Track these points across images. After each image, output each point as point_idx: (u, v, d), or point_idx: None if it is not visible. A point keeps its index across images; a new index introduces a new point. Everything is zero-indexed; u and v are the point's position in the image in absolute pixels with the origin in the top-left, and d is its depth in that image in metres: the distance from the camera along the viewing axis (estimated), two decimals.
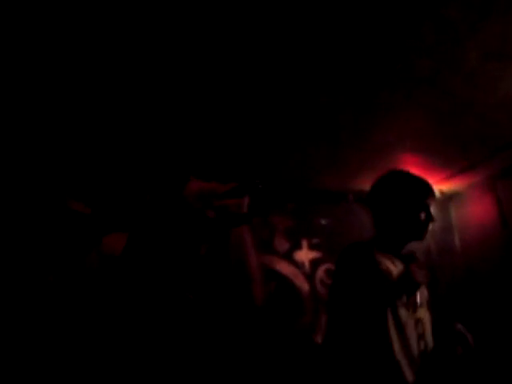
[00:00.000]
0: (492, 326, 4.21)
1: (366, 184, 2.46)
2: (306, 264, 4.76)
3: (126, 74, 2.46)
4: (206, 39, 2.22)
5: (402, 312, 1.84)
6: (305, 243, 4.80)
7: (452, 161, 3.96)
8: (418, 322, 1.89)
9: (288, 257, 4.75)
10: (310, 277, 4.69)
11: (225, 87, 2.69)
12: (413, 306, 1.88)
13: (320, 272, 4.70)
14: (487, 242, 4.45)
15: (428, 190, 2.09)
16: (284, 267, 4.68)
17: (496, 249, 4.32)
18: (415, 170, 4.15)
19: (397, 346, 1.78)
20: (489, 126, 3.20)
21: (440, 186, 4.68)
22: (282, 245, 4.77)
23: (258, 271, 1.54)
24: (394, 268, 1.92)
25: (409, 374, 1.77)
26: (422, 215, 2.00)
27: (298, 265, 4.73)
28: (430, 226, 2.04)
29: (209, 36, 2.19)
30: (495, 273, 4.30)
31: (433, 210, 2.05)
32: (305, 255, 4.79)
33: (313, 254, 4.79)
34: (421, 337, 1.87)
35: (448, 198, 4.99)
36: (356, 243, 2.05)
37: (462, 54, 2.37)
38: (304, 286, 4.62)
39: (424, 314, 1.94)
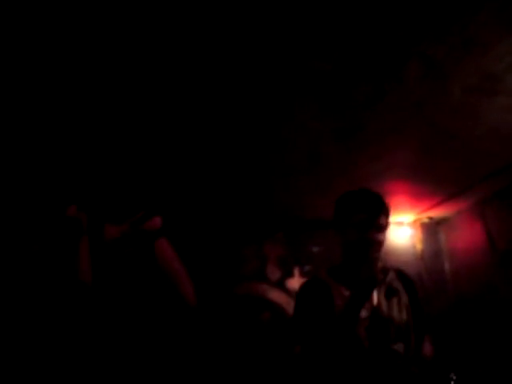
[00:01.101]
0: (482, 349, 4.22)
1: None
2: None
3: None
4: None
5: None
6: (297, 271, 4.81)
7: (440, 188, 4.03)
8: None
9: (280, 285, 4.75)
10: None
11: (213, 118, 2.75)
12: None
13: None
14: (476, 266, 4.49)
15: (354, 204, 1.91)
16: (277, 296, 4.68)
17: (485, 273, 4.36)
18: (404, 198, 4.27)
19: None
20: (475, 154, 3.27)
21: (429, 213, 4.75)
22: (274, 273, 4.78)
23: (182, 274, 1.80)
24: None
25: None
26: (350, 233, 1.87)
27: (290, 293, 4.73)
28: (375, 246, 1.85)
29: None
30: (484, 297, 4.34)
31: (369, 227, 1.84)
32: (297, 283, 4.78)
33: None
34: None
35: (437, 223, 5.06)
36: (313, 279, 2.04)
37: (445, 88, 2.45)
38: None
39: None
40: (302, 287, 2.04)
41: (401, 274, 2.02)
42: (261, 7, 1.83)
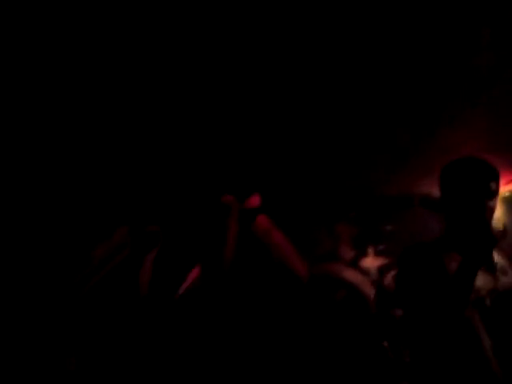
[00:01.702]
0: None
1: (431, 188, 2.46)
2: (373, 271, 4.72)
3: None
4: None
5: None
6: (371, 250, 4.76)
7: None
8: None
9: (354, 264, 4.73)
10: (377, 284, 4.64)
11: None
12: None
13: (388, 279, 4.64)
14: None
15: (481, 175, 1.85)
16: (351, 275, 4.65)
17: None
18: None
19: None
20: None
21: (508, 187, 4.54)
22: (348, 253, 4.76)
23: (288, 248, 1.91)
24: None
25: None
26: (464, 202, 1.83)
27: (364, 272, 4.70)
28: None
29: None
30: None
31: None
32: (371, 262, 4.74)
33: (379, 261, 4.73)
34: None
35: None
36: (417, 244, 1.97)
37: None
38: (372, 293, 4.58)
39: None
40: (404, 253, 1.98)
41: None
42: None
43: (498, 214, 4.73)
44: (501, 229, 1.86)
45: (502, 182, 4.40)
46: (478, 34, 2.15)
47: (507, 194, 4.73)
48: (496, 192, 1.87)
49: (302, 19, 2.03)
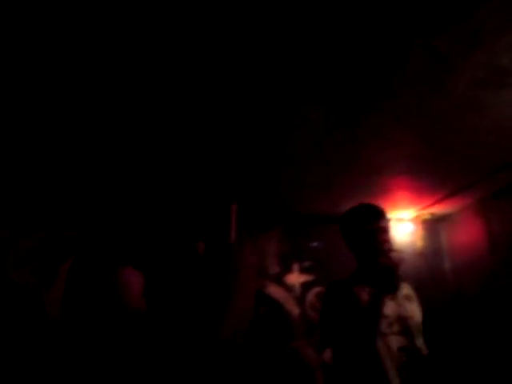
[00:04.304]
0: (479, 347, 4.18)
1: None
2: (297, 287, 4.73)
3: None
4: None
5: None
6: (296, 267, 4.77)
7: (442, 184, 3.97)
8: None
9: (279, 280, 4.71)
10: (300, 300, 4.65)
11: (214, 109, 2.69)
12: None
13: (310, 296, 4.66)
14: (477, 264, 4.45)
15: (367, 215, 2.21)
16: (275, 291, 4.64)
17: (485, 271, 4.32)
18: (405, 193, 4.21)
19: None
20: (478, 150, 3.21)
21: (430, 209, 4.70)
22: (273, 268, 4.74)
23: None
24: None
25: None
26: (369, 240, 2.14)
27: (288, 288, 4.70)
28: (392, 249, 2.13)
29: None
30: (484, 295, 4.30)
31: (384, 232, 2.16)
32: (296, 279, 4.75)
33: (304, 278, 4.75)
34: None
35: (438, 220, 5.01)
36: (336, 281, 2.20)
37: (450, 82, 2.38)
38: (294, 309, 4.58)
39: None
40: (326, 290, 2.22)
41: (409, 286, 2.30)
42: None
43: (417, 235, 4.92)
44: (398, 256, 2.08)
45: (422, 204, 4.56)
46: (408, 56, 2.18)
47: (427, 217, 4.90)
48: (386, 228, 2.19)
49: None
